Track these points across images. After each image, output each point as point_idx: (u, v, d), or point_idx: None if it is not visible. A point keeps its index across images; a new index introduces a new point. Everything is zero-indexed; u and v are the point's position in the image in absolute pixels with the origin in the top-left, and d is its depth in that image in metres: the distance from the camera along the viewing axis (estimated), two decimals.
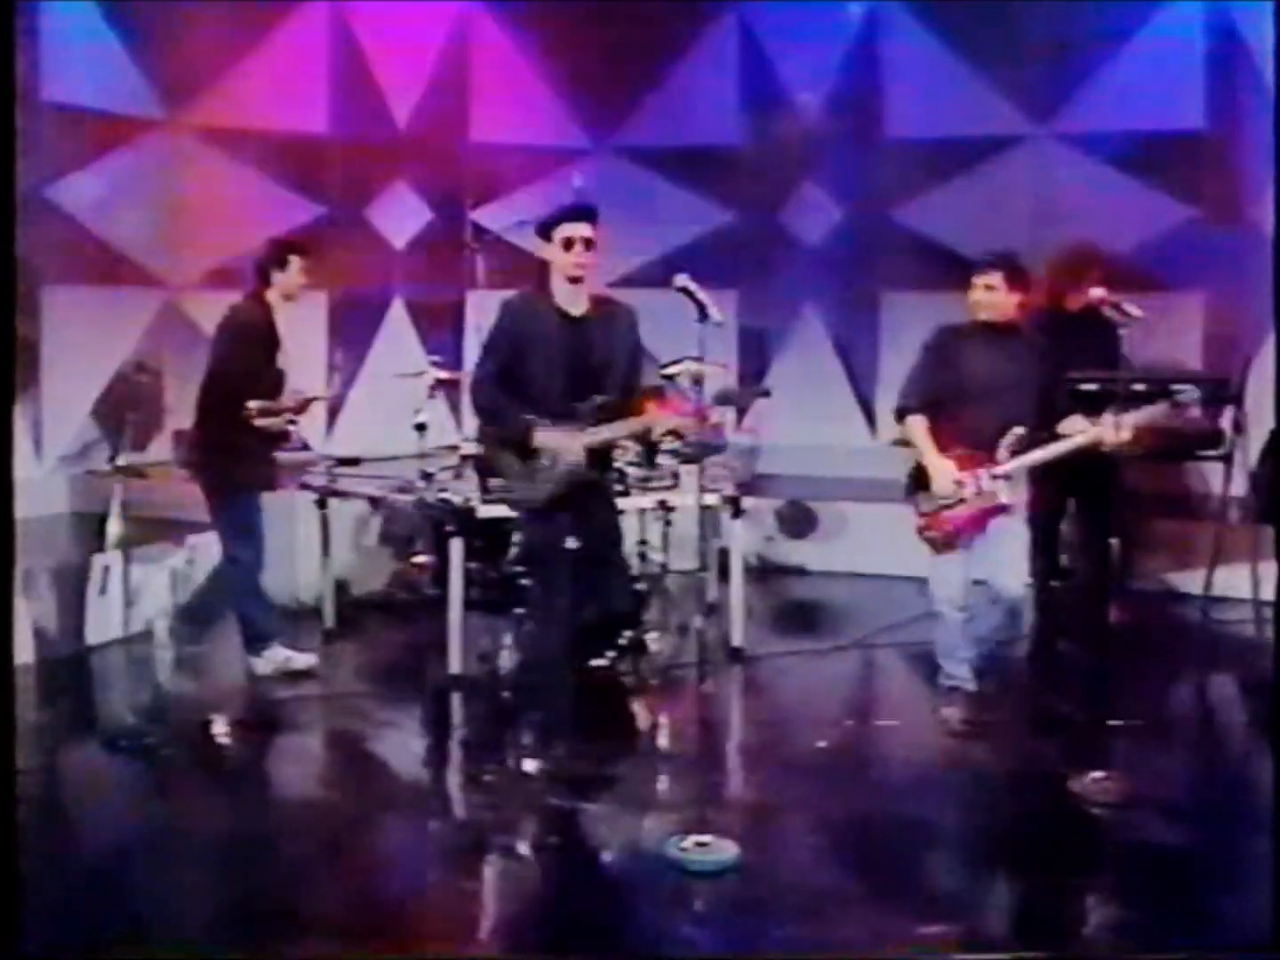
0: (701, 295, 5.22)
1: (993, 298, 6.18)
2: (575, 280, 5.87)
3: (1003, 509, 6.13)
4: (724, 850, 4.94)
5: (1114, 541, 6.52)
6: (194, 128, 9.66)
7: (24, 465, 8.53)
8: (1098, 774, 5.53)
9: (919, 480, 6.22)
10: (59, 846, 5.15)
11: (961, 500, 6.10)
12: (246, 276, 9.97)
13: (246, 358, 6.91)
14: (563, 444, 5.84)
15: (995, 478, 6.08)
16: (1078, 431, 6.08)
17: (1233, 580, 8.08)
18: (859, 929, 4.50)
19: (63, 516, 8.71)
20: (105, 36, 9.10)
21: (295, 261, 7.03)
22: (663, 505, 7.40)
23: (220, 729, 6.44)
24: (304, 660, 7.12)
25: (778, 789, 5.82)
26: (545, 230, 5.94)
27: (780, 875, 4.99)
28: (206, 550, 7.99)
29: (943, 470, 6.12)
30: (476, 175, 10.73)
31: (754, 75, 10.77)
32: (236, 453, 6.83)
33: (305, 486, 8.22)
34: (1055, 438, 6.12)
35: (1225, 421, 8.03)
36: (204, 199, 9.53)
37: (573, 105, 10.78)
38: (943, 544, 6.20)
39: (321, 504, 7.95)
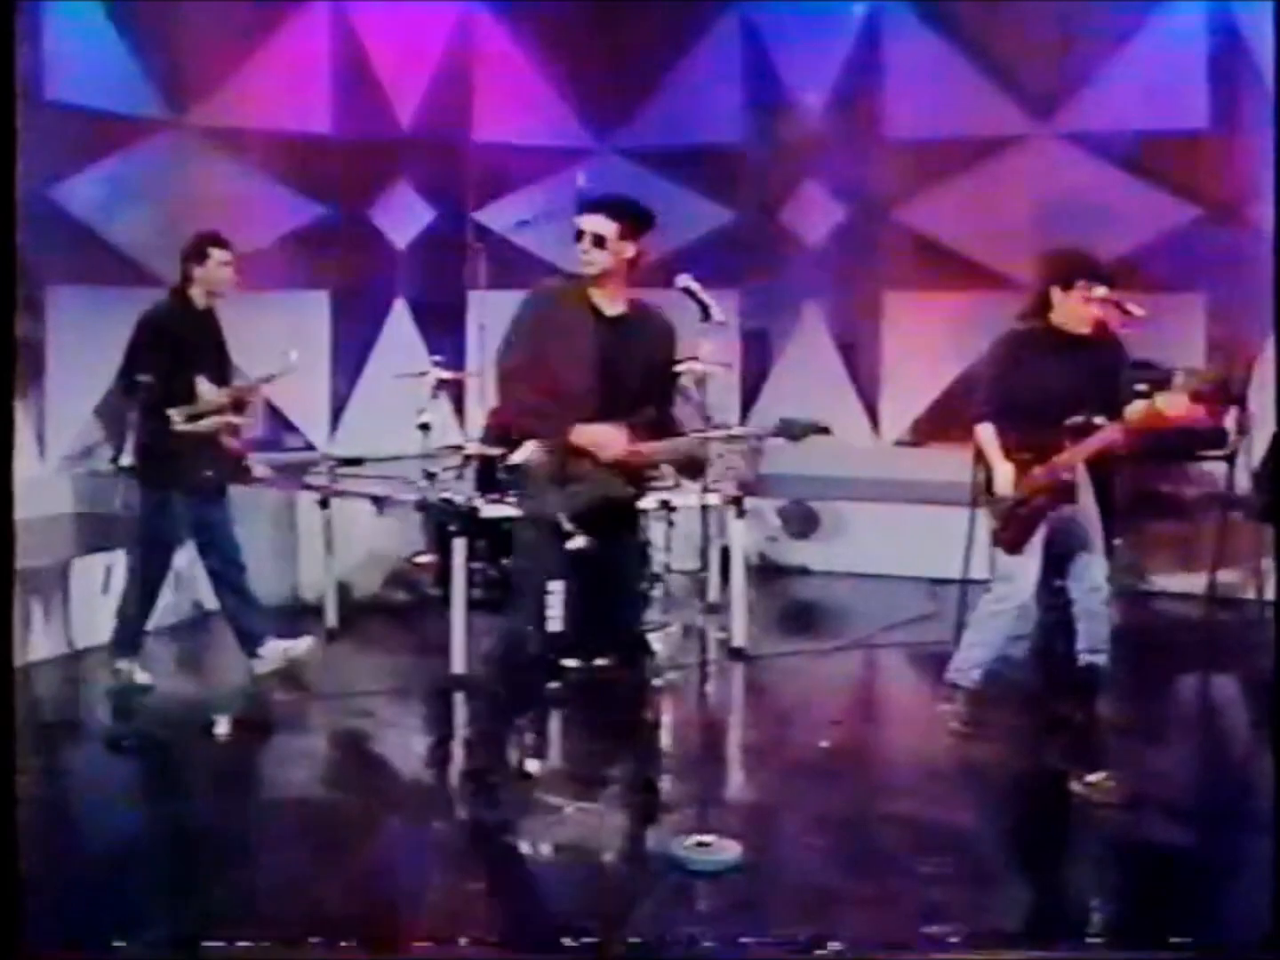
0: (704, 296, 5.21)
1: (1095, 310, 5.99)
2: (589, 275, 5.32)
3: (1069, 503, 6.06)
4: (726, 850, 4.94)
5: (1117, 542, 6.50)
6: (197, 128, 9.67)
7: (28, 465, 8.55)
8: (1099, 774, 5.54)
9: (989, 485, 6.14)
10: (60, 846, 5.16)
11: (1026, 499, 6.00)
12: (251, 276, 10.03)
13: (153, 360, 6.65)
14: (603, 439, 5.22)
15: (1058, 471, 6.00)
16: (1146, 405, 5.83)
17: (1236, 580, 8.09)
18: (862, 929, 4.50)
19: (66, 517, 8.72)
20: (109, 37, 9.11)
21: (215, 254, 6.82)
22: (665, 505, 7.40)
23: (223, 729, 6.44)
24: (302, 646, 7.07)
25: (780, 789, 5.83)
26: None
27: (782, 875, 5.00)
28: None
29: (1005, 472, 6.01)
30: (479, 175, 10.74)
31: (756, 75, 10.78)
32: (160, 455, 6.58)
33: (308, 487, 8.22)
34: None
35: (1229, 421, 8.03)
36: (208, 199, 9.53)
37: (575, 105, 10.80)
38: (1012, 545, 6.13)
39: (324, 504, 7.96)
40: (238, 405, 6.90)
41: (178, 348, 6.71)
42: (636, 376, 5.35)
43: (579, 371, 5.27)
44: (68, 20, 8.81)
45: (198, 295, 6.87)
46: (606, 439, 5.23)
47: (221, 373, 6.85)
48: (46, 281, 8.80)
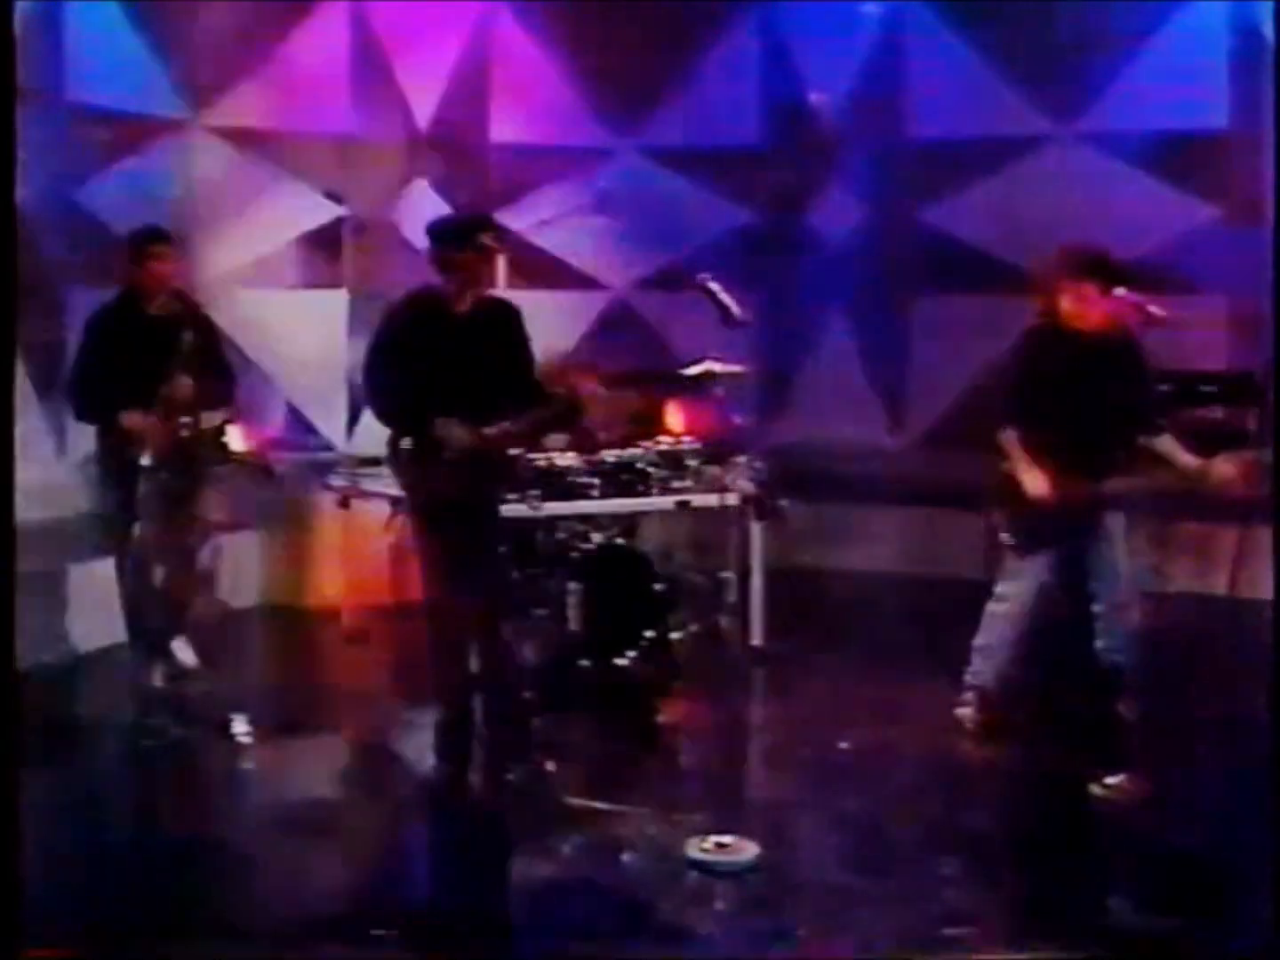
0: (725, 296, 5.22)
1: (1087, 307, 5.97)
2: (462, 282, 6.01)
3: (1097, 523, 6.05)
4: (745, 850, 4.94)
5: (1138, 541, 6.47)
6: (216, 128, 9.68)
7: (47, 466, 8.56)
8: (1119, 775, 5.53)
9: (1006, 488, 6.10)
10: (64, 846, 5.16)
11: (1053, 509, 5.98)
12: (270, 275, 10.04)
13: (100, 366, 6.64)
14: (446, 434, 5.82)
15: (1091, 492, 5.98)
16: (1201, 466, 5.95)
17: (1257, 581, 8.04)
18: (880, 930, 4.49)
19: (86, 517, 8.72)
20: (128, 37, 9.12)
21: (152, 250, 6.73)
22: (685, 505, 7.40)
23: (240, 728, 6.45)
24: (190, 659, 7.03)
25: (799, 789, 5.82)
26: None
27: (801, 875, 4.99)
28: (231, 549, 8.03)
29: (1035, 479, 5.95)
30: (498, 175, 10.73)
31: (777, 75, 10.76)
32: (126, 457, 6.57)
33: (328, 487, 8.23)
34: (1148, 452, 6.03)
35: (1250, 421, 7.99)
36: (227, 200, 9.55)
37: (596, 105, 10.78)
38: (1025, 550, 6.11)
39: (344, 504, 7.96)
40: (179, 406, 6.65)
41: (122, 351, 6.61)
42: (489, 360, 5.96)
43: (437, 365, 5.88)
44: (88, 21, 8.82)
45: (147, 295, 6.76)
46: (450, 435, 5.83)
47: (188, 371, 6.64)
48: (66, 282, 8.81)
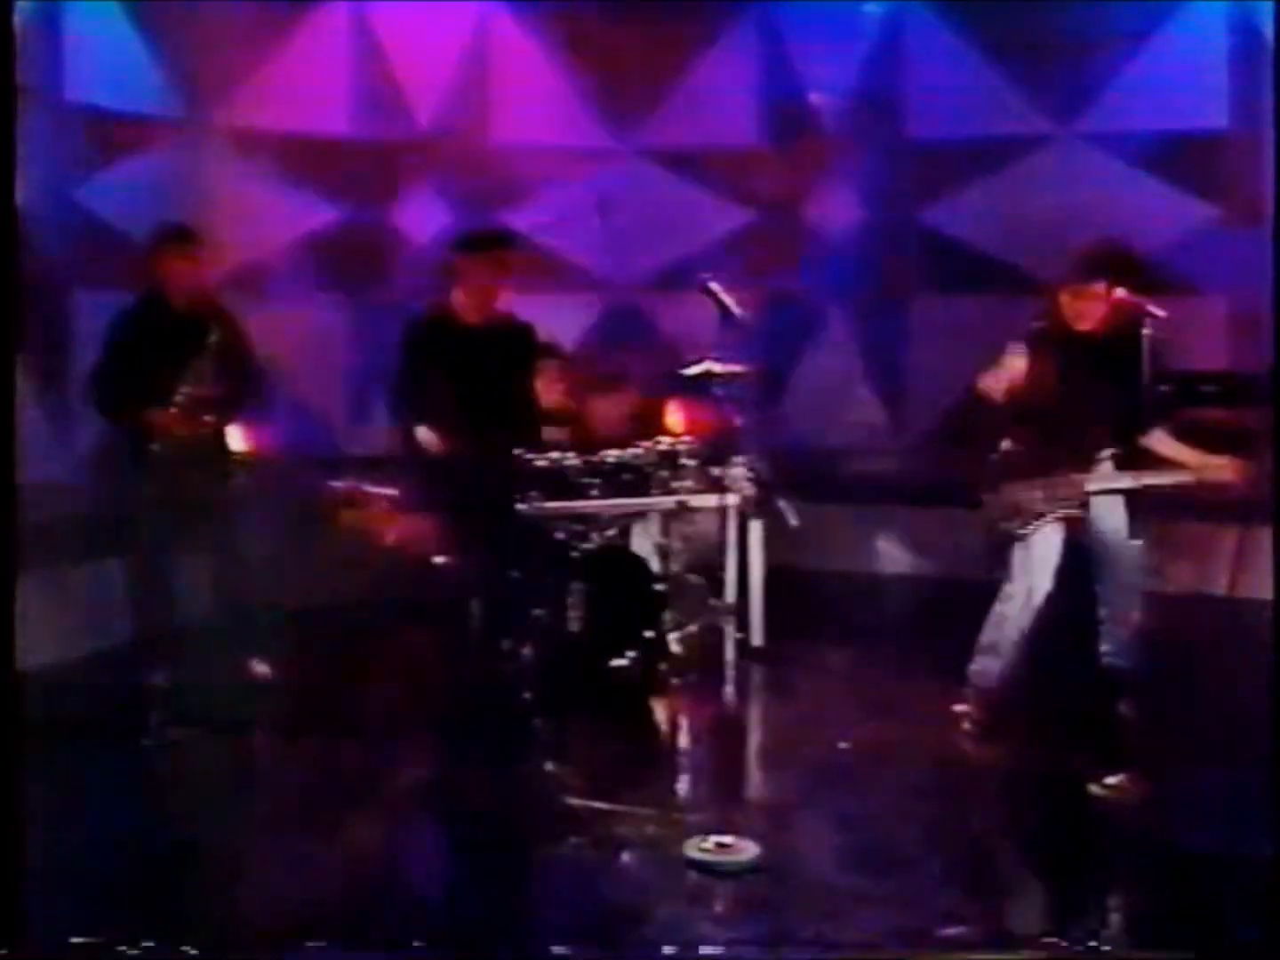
0: (725, 296, 5.23)
1: (1096, 306, 5.93)
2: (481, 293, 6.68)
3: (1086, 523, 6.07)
4: (745, 850, 4.94)
5: (1139, 542, 6.48)
6: (217, 129, 9.69)
7: (47, 466, 8.56)
8: (1118, 776, 5.53)
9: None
10: (64, 847, 5.16)
11: (1043, 515, 6.00)
12: (270, 276, 10.06)
13: (123, 364, 6.62)
14: (430, 440, 6.45)
15: (1084, 493, 5.99)
16: (1197, 464, 5.95)
17: (1257, 581, 8.04)
18: (880, 929, 4.49)
19: (86, 517, 8.73)
20: (128, 37, 9.13)
21: (173, 249, 6.69)
22: (683, 505, 7.39)
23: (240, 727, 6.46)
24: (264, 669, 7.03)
25: (799, 789, 5.82)
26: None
27: (801, 875, 4.99)
28: None
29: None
30: (499, 176, 10.73)
31: (777, 76, 10.76)
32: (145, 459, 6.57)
33: (331, 488, 8.23)
34: (1141, 452, 6.03)
35: (1250, 421, 7.98)
36: (228, 200, 9.55)
37: (595, 105, 10.78)
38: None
39: (347, 504, 7.97)
40: (203, 405, 6.65)
41: (147, 350, 6.60)
42: (499, 373, 6.47)
43: (451, 374, 6.40)
44: (88, 21, 8.83)
45: (172, 293, 6.73)
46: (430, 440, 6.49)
47: (212, 370, 6.63)
48: (69, 284, 8.81)
